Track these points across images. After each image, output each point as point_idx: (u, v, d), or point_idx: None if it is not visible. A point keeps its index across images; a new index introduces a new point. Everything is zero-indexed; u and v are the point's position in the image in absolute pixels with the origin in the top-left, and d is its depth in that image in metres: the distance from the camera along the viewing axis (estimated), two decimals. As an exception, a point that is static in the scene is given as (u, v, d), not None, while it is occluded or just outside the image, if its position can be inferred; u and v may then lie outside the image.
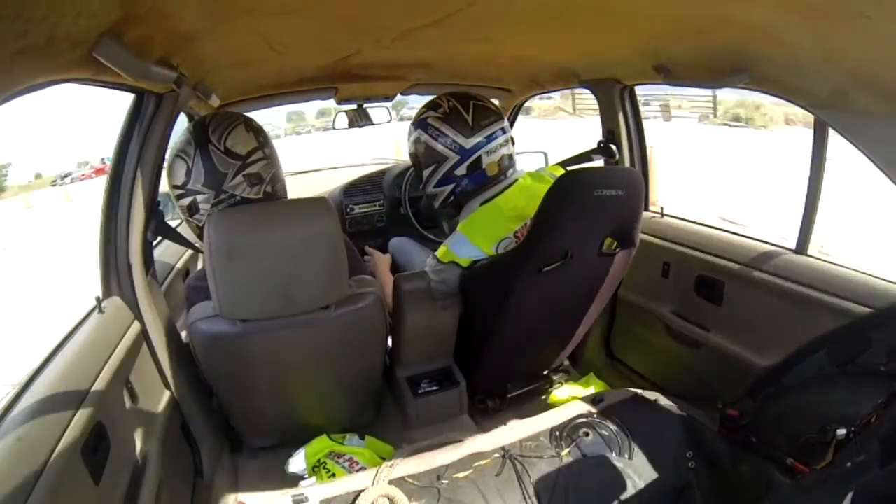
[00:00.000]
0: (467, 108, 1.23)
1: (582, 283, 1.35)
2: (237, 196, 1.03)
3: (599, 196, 1.17)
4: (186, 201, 1.04)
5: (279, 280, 0.93)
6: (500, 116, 1.26)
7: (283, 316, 0.98)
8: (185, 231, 1.24)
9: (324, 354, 1.08)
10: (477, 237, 1.22)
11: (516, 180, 1.29)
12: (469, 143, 1.22)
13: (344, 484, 1.04)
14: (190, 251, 1.56)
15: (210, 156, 1.01)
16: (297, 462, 1.20)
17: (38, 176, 20.38)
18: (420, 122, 1.27)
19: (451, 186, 1.28)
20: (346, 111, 2.01)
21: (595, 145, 1.63)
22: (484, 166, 1.23)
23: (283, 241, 0.91)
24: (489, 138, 1.22)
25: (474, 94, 1.28)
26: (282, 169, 1.13)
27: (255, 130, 1.07)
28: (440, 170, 1.26)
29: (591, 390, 1.49)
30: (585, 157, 1.64)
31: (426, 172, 1.29)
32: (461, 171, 1.24)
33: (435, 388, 1.37)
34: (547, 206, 1.14)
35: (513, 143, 1.29)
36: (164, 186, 1.12)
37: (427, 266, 1.30)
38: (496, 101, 1.41)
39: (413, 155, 1.33)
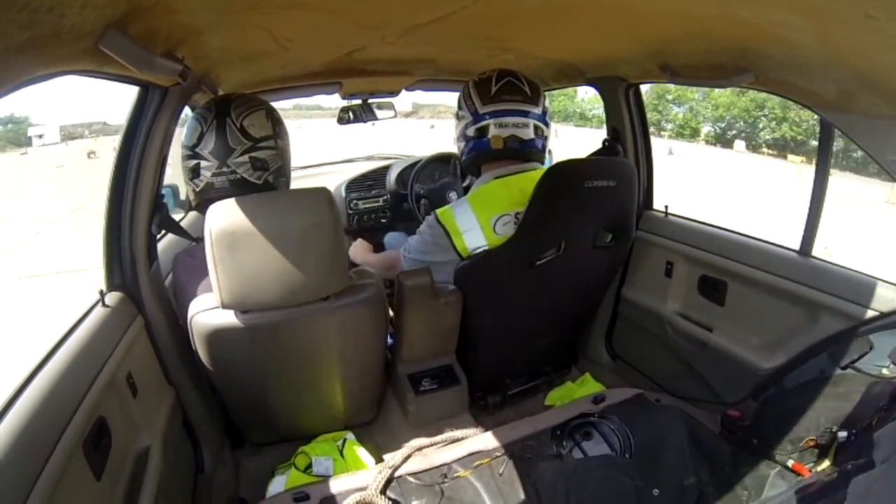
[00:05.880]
0: (498, 80, 1.28)
1: (578, 275, 1.35)
2: (238, 174, 1.06)
3: (591, 187, 1.17)
4: (191, 163, 1.07)
5: (280, 269, 0.93)
6: (530, 100, 1.28)
7: (284, 306, 0.98)
8: (190, 226, 1.23)
9: (324, 345, 1.08)
10: (478, 207, 1.24)
11: (535, 169, 1.31)
12: (482, 109, 1.27)
13: (344, 482, 1.04)
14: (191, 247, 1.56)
15: (224, 129, 1.04)
16: (278, 486, 1.15)
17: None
18: (465, 83, 1.36)
19: (462, 144, 1.34)
20: (349, 106, 2.01)
21: (600, 144, 1.63)
22: (489, 136, 1.28)
23: (283, 231, 0.91)
24: (502, 113, 1.26)
25: (519, 74, 1.31)
26: (289, 166, 1.15)
27: (275, 121, 1.10)
28: (458, 126, 1.35)
29: (591, 390, 1.49)
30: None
31: (454, 127, 1.39)
32: (471, 132, 1.31)
33: (436, 386, 1.37)
34: (538, 197, 1.13)
35: (541, 133, 1.30)
36: (168, 179, 1.12)
37: (424, 223, 1.33)
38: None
39: None
